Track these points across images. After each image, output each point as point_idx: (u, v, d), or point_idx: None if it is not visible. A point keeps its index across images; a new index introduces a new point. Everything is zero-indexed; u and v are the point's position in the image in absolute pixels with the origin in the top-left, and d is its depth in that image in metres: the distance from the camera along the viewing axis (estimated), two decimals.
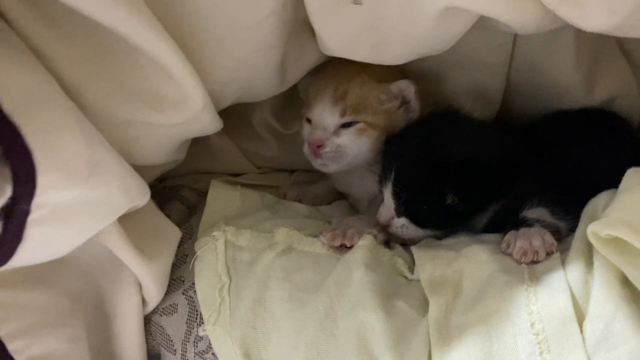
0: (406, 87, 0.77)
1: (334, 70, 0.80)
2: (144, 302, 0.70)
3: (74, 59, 0.57)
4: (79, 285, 0.65)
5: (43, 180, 0.47)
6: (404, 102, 0.78)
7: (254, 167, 0.95)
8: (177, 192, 0.86)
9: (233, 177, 0.90)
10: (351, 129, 0.77)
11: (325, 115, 0.78)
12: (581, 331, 0.51)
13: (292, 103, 0.92)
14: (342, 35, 0.65)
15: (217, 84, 0.67)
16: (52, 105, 0.51)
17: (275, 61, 0.69)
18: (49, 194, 0.48)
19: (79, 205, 0.53)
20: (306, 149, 0.79)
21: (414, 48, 0.67)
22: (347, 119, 0.77)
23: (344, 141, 0.77)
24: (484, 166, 0.68)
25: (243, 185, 0.84)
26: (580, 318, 0.52)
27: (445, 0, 0.57)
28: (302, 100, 0.86)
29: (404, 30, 0.63)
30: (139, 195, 0.64)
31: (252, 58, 0.66)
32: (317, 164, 0.79)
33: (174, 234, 0.74)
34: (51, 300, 0.61)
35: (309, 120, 0.81)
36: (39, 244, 0.51)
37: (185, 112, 0.63)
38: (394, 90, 0.77)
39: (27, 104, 0.48)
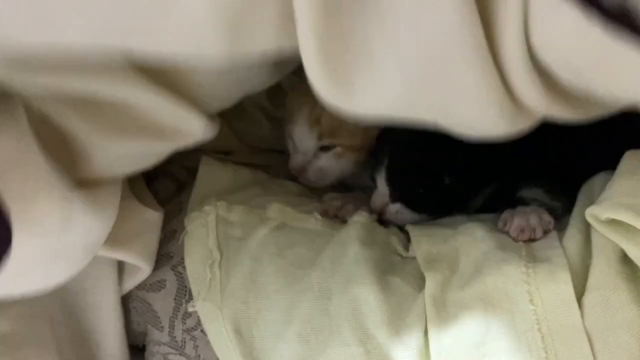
0: None
1: (310, 87, 0.78)
2: (123, 280, 0.69)
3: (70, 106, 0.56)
4: None
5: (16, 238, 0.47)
6: None
7: (244, 146, 0.93)
8: (165, 168, 0.83)
9: (224, 155, 0.88)
10: (329, 153, 0.77)
11: (303, 138, 0.78)
12: (580, 308, 0.51)
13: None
14: None
15: (216, 103, 0.64)
16: (31, 166, 0.51)
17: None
18: (20, 248, 0.48)
19: (49, 252, 0.54)
20: (290, 167, 0.80)
21: None
22: (324, 143, 0.77)
23: (324, 164, 0.78)
24: (481, 146, 0.68)
25: (234, 162, 0.82)
26: (579, 295, 0.52)
27: None
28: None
29: None
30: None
31: (246, 71, 0.63)
32: (302, 180, 0.80)
33: (152, 216, 0.71)
34: None
35: (291, 137, 0.81)
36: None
37: (188, 136, 0.61)
38: None
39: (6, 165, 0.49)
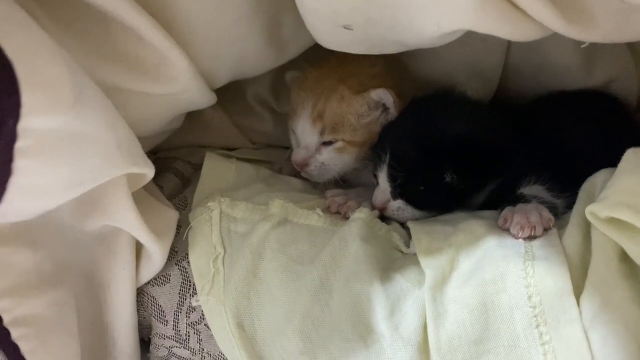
0: (385, 96, 0.76)
1: (313, 82, 0.80)
2: (138, 274, 0.69)
3: (55, 23, 0.56)
4: (67, 251, 0.64)
5: (28, 98, 0.44)
6: (385, 109, 0.78)
7: (248, 142, 0.94)
8: (170, 165, 0.85)
9: (228, 152, 0.89)
10: (331, 148, 0.78)
11: (306, 134, 0.79)
12: (578, 305, 0.51)
13: None
14: (336, 44, 0.67)
15: (208, 60, 0.66)
16: (30, 28, 0.48)
17: (262, 28, 0.68)
18: (34, 118, 0.46)
19: (66, 139, 0.50)
20: (293, 162, 0.81)
21: (409, 47, 0.67)
22: (326, 139, 0.78)
23: (326, 159, 0.79)
24: (482, 144, 0.68)
25: (238, 159, 0.83)
26: (578, 292, 0.52)
27: (453, 27, 0.55)
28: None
29: (398, 41, 0.63)
30: (131, 143, 0.61)
31: (236, 27, 0.65)
32: (304, 175, 0.81)
33: (173, 215, 0.73)
34: (35, 263, 0.59)
35: (294, 132, 0.82)
36: (29, 182, 0.49)
37: (172, 80, 0.62)
38: (375, 98, 0.77)
39: (3, 23, 0.46)
